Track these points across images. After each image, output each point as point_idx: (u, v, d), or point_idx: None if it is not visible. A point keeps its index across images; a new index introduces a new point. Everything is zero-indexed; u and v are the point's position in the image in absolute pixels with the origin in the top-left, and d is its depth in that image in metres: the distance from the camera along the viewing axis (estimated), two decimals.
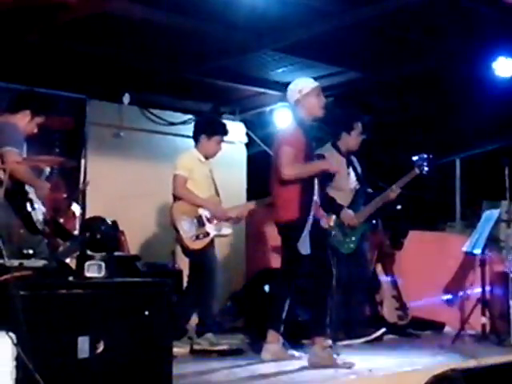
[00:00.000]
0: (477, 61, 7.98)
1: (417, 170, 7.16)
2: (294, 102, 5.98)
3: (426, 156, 7.04)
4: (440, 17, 7.06)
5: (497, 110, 9.01)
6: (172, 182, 6.48)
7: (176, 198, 6.48)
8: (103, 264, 4.25)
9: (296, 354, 5.94)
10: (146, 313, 4.17)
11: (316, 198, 5.82)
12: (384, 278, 7.68)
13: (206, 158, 6.70)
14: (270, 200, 6.87)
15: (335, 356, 5.59)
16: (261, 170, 10.29)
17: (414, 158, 7.14)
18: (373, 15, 6.88)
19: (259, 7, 6.44)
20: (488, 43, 7.57)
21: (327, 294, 5.79)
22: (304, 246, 5.62)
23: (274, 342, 5.89)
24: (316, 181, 5.87)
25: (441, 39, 7.61)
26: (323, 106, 5.93)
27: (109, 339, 3.98)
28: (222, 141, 6.78)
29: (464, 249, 7.42)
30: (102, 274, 4.24)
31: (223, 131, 6.76)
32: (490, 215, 7.47)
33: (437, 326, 8.11)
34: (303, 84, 5.97)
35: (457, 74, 8.46)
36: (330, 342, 5.66)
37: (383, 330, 7.14)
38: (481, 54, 7.82)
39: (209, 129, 6.71)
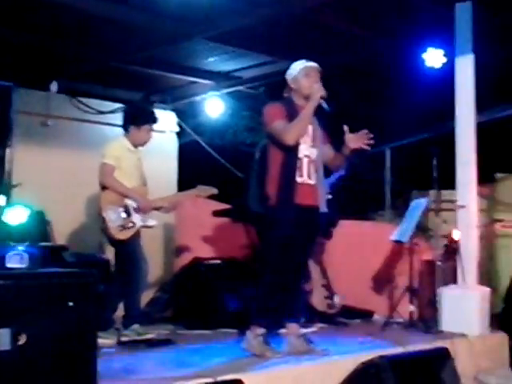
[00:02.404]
0: (406, 51, 8.07)
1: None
2: (290, 87, 5.77)
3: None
4: (373, 7, 7.11)
5: (426, 101, 9.14)
6: (99, 170, 6.38)
7: (104, 187, 6.37)
8: (26, 254, 4.16)
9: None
10: (71, 304, 4.10)
11: (303, 180, 5.61)
12: (313, 267, 7.70)
13: (136, 146, 6.60)
14: (213, 191, 6.85)
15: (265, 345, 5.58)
16: (192, 159, 10.34)
17: None
18: (303, 5, 6.90)
19: None
20: (418, 34, 7.66)
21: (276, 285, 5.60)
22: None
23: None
24: (305, 161, 5.64)
25: (371, 29, 7.67)
26: (312, 84, 5.60)
27: (31, 331, 3.91)
28: (152, 129, 6.69)
29: (392, 237, 7.48)
30: (25, 264, 4.15)
31: (153, 119, 6.66)
32: (418, 204, 7.54)
33: (366, 315, 8.18)
34: (292, 67, 5.77)
35: (387, 64, 8.54)
36: (263, 330, 5.60)
37: (314, 329, 7.15)
38: (410, 45, 7.91)
39: (138, 118, 6.60)
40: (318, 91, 5.55)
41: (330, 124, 5.85)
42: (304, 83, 5.68)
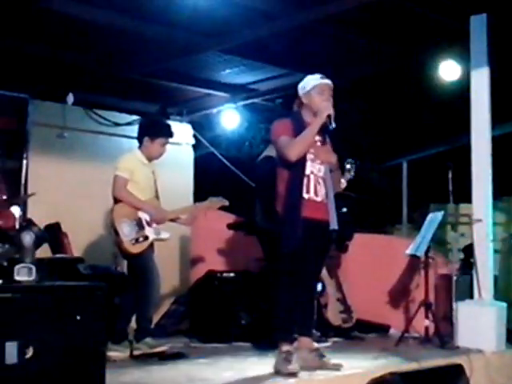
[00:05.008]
0: (422, 64, 8.04)
1: (348, 175, 7.08)
2: (300, 101, 5.73)
3: (353, 161, 6.97)
4: (387, 20, 7.09)
5: (442, 114, 9.13)
6: (112, 183, 6.35)
7: (117, 200, 6.35)
8: (34, 267, 4.16)
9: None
10: (78, 317, 4.10)
11: (310, 196, 5.58)
12: (328, 281, 7.67)
13: (150, 159, 6.56)
14: (224, 203, 6.81)
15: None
16: (208, 171, 10.34)
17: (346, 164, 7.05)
18: (318, 17, 6.88)
19: (201, 8, 6.42)
20: (434, 47, 7.63)
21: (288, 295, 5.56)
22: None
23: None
24: (312, 178, 5.62)
25: (386, 42, 7.65)
26: (325, 102, 5.55)
27: (38, 344, 3.92)
28: (167, 143, 6.64)
29: (407, 251, 7.41)
30: (33, 277, 4.15)
31: (168, 133, 6.58)
32: (434, 218, 7.47)
33: (382, 329, 8.12)
34: (306, 81, 5.70)
35: (404, 77, 8.52)
36: (288, 346, 5.54)
37: (328, 343, 7.08)
38: (426, 58, 7.88)
39: (152, 131, 6.54)
40: (326, 109, 5.49)
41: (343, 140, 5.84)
42: (316, 100, 5.60)
